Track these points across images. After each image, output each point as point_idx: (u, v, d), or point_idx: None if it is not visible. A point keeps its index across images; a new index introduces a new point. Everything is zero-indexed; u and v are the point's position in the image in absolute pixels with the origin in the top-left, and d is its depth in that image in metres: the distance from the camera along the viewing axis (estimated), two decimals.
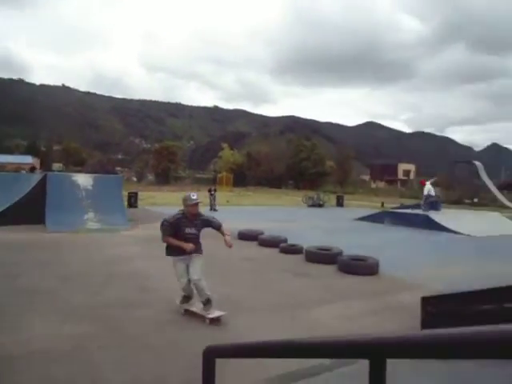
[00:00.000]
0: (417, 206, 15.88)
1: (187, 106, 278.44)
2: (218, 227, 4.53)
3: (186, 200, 4.39)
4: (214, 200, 19.33)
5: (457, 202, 27.00)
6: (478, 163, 32.37)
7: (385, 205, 23.57)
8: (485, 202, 28.10)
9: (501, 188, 34.65)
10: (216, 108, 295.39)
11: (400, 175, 66.48)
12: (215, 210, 18.78)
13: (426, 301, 3.74)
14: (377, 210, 17.20)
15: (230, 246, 4.42)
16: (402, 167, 69.55)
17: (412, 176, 64.14)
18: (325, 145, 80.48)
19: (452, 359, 0.75)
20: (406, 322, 4.22)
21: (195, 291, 4.32)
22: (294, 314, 4.51)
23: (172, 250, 4.37)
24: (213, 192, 19.51)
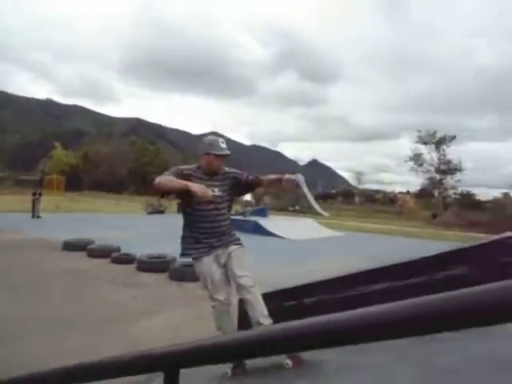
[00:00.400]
0: (255, 212, 17.53)
1: (13, 96, 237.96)
2: (258, 181, 2.81)
3: (209, 145, 2.68)
4: (38, 205, 17.00)
5: (282, 210, 30.59)
6: (300, 176, 37.50)
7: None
8: (304, 209, 32.52)
9: (317, 198, 40.90)
10: (50, 101, 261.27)
11: None
12: (38, 216, 16.54)
13: (242, 302, 4.09)
14: None
15: (297, 185, 2.74)
16: None
17: None
18: (169, 150, 79.99)
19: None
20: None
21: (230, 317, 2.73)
22: (116, 329, 4.32)
23: (190, 243, 2.67)
24: (37, 196, 17.13)
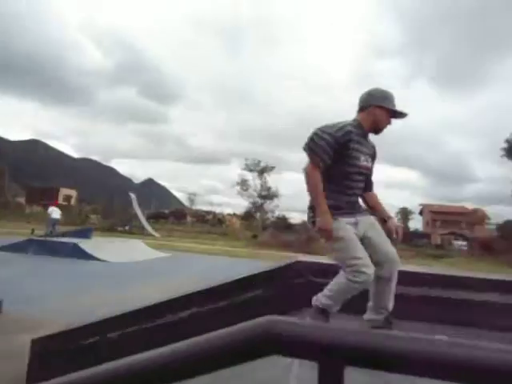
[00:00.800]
0: (76, 233, 16.00)
1: None
2: (371, 190, 2.43)
3: (383, 97, 2.22)
4: None
5: (110, 230, 28.66)
6: (132, 195, 36.03)
7: (36, 232, 21.57)
8: (135, 229, 31.25)
9: (149, 218, 39.93)
10: None
11: (61, 200, 63.65)
12: None
13: (37, 342, 3.53)
14: (25, 238, 15.49)
15: (400, 239, 2.27)
16: (64, 192, 67.09)
17: (73, 202, 62.83)
18: None
19: None
20: (18, 371, 3.83)
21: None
22: None
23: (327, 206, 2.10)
24: None
